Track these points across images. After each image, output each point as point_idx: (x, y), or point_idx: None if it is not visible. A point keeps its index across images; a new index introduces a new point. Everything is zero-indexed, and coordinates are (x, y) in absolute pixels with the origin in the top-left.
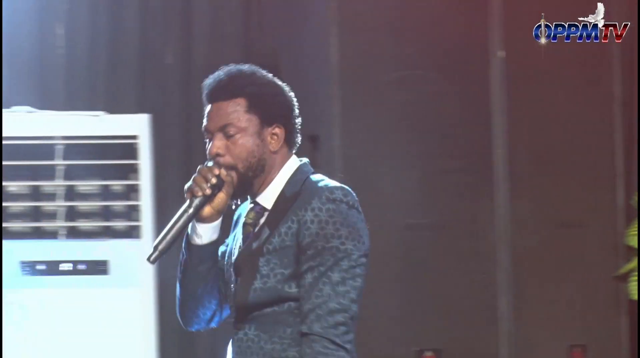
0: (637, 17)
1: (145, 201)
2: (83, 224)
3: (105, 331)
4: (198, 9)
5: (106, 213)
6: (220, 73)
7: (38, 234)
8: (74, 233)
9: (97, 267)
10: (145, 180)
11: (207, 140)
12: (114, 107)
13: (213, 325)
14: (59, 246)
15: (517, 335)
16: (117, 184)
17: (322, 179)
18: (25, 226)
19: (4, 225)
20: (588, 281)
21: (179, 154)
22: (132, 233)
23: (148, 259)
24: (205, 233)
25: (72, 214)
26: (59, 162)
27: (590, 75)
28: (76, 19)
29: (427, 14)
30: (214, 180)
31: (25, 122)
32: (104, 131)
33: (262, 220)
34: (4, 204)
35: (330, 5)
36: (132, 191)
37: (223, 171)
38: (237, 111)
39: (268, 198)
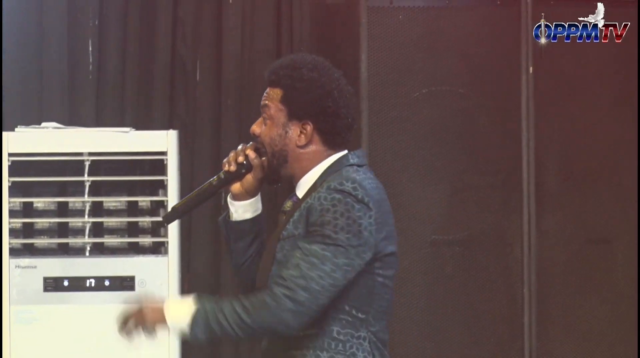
0: (637, 17)
1: None
2: (110, 240)
3: (130, 347)
4: (228, 25)
5: (133, 230)
6: (282, 59)
7: (64, 251)
8: (100, 250)
9: (124, 283)
10: (172, 196)
11: None
12: (143, 123)
13: None
14: (85, 262)
15: (541, 351)
16: (144, 200)
17: (348, 172)
18: (51, 242)
19: (30, 241)
20: (614, 298)
21: (207, 170)
22: (158, 249)
23: (163, 218)
24: (236, 210)
25: (99, 230)
26: (86, 178)
27: (618, 91)
28: (106, 35)
29: (457, 30)
30: (240, 158)
31: (54, 139)
32: (133, 147)
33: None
34: (32, 220)
35: (360, 20)
36: (159, 208)
37: (251, 154)
38: (274, 99)
39: (302, 189)
